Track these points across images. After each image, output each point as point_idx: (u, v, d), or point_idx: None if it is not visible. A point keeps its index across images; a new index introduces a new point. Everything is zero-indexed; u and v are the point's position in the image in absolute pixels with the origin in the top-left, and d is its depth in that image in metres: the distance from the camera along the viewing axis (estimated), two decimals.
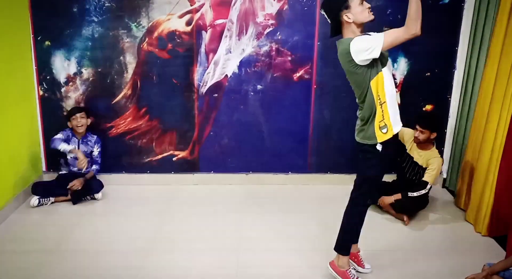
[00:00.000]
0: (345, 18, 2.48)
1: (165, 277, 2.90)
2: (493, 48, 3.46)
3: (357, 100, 2.67)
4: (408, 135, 3.85)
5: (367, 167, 2.67)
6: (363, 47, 2.42)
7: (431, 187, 3.64)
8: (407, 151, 3.86)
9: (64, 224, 3.58)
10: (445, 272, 2.97)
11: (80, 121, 3.97)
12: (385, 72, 2.52)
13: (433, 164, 3.65)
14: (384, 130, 2.55)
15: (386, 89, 2.52)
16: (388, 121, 2.55)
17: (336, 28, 2.56)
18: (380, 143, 2.57)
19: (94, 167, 4.11)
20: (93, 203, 3.97)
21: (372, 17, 2.49)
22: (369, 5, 2.51)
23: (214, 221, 3.63)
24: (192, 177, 4.38)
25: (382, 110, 2.53)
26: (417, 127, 3.67)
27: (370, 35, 2.51)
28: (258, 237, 3.37)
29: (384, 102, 2.52)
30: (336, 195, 4.13)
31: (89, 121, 4.06)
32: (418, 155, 3.77)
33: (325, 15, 2.57)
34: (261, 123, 4.27)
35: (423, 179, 3.65)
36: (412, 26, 2.35)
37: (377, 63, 2.49)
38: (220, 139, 4.31)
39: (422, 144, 3.73)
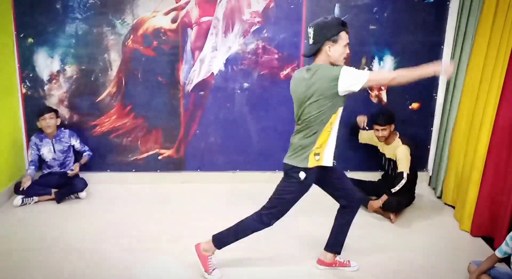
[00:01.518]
0: (326, 48, 2.50)
1: (152, 275, 2.87)
2: (477, 46, 3.48)
3: (297, 121, 2.70)
4: (373, 137, 3.95)
5: (286, 190, 2.74)
6: (352, 78, 2.46)
7: (408, 174, 3.65)
8: (380, 151, 3.95)
9: (48, 223, 3.53)
10: (430, 269, 2.98)
11: (49, 122, 3.91)
12: (340, 111, 2.59)
13: (400, 153, 3.71)
14: (317, 157, 2.63)
15: (336, 125, 2.61)
16: (323, 151, 2.62)
17: (313, 51, 2.56)
18: (305, 170, 2.62)
19: (85, 153, 4.09)
20: (78, 202, 3.92)
21: (341, 63, 2.55)
22: (348, 52, 2.57)
23: (200, 219, 3.61)
24: (179, 176, 4.34)
25: (325, 141, 2.61)
26: (377, 127, 3.78)
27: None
28: (245, 238, 3.34)
29: (330, 135, 2.61)
30: (323, 193, 4.14)
31: (59, 121, 4.01)
32: (388, 151, 3.86)
33: (310, 34, 2.55)
34: (248, 121, 4.25)
35: (398, 170, 3.69)
36: (401, 81, 2.55)
37: (345, 99, 2.56)
38: (207, 137, 4.28)
39: (386, 139, 3.84)
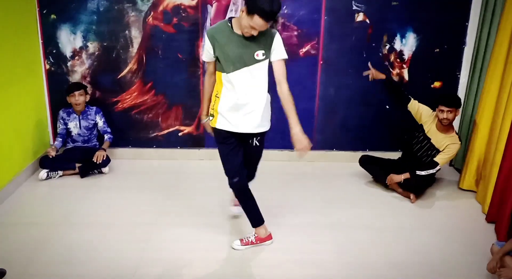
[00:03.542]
0: (241, 11, 2.46)
1: (171, 250, 2.95)
2: (504, 23, 3.37)
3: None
4: (426, 116, 3.76)
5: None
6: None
7: (439, 169, 3.63)
8: (426, 132, 3.74)
9: (72, 197, 3.64)
10: (447, 251, 2.98)
11: (78, 99, 3.98)
12: (225, 78, 2.66)
13: (452, 149, 3.61)
14: (211, 118, 2.78)
15: (226, 91, 2.70)
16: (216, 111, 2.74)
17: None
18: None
19: (106, 136, 4.15)
20: (100, 177, 4.03)
21: (243, 30, 2.50)
22: (259, 29, 2.45)
23: (219, 195, 3.66)
24: (198, 152, 4.40)
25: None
26: (443, 108, 3.55)
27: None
28: (262, 212, 3.39)
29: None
30: (341, 173, 4.16)
31: (88, 97, 4.08)
32: (437, 138, 3.67)
33: None
34: None
35: (435, 159, 3.62)
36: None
37: (224, 66, 2.62)
38: None
39: (444, 127, 3.64)
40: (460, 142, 3.64)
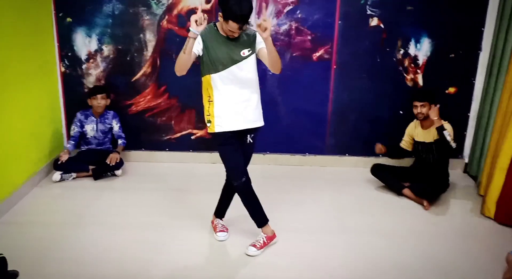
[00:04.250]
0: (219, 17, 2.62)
1: (181, 253, 2.96)
2: None
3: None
4: (411, 131, 3.89)
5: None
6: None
7: (454, 142, 3.60)
8: (416, 140, 3.84)
9: (85, 199, 3.67)
10: (461, 258, 2.93)
11: (100, 102, 4.03)
12: (213, 79, 2.78)
13: (448, 126, 3.63)
14: (209, 124, 2.85)
15: (218, 93, 2.79)
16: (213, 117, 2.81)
17: None
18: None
19: (120, 141, 4.18)
20: (113, 179, 4.05)
21: (228, 33, 2.64)
22: (236, 31, 2.60)
23: (236, 198, 3.65)
24: (210, 156, 4.41)
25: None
26: (416, 103, 3.70)
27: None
28: (272, 217, 3.37)
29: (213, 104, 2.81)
30: (353, 178, 4.13)
31: (109, 101, 4.12)
32: (428, 135, 3.75)
33: None
34: (279, 103, 4.25)
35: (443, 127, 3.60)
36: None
37: (213, 67, 2.75)
38: None
39: (425, 122, 3.74)
40: (445, 122, 3.67)
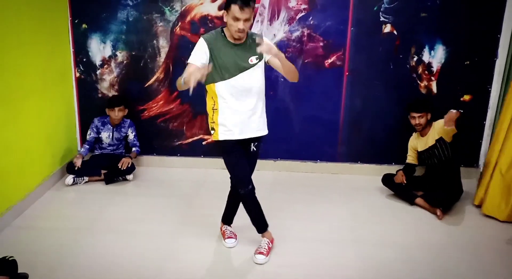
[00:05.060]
0: (224, 16, 2.58)
1: (191, 260, 2.95)
2: None
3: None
4: (414, 143, 3.87)
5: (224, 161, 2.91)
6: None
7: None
8: (419, 150, 3.82)
9: (96, 203, 3.70)
10: (477, 269, 2.87)
11: (118, 114, 4.08)
12: (219, 87, 2.72)
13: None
14: (212, 132, 2.84)
15: (224, 102, 2.75)
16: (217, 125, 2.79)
17: None
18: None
19: (134, 149, 4.22)
20: (125, 184, 4.08)
21: (235, 35, 2.58)
22: (241, 28, 2.53)
23: (240, 205, 3.64)
24: (221, 161, 4.36)
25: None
26: (413, 114, 3.71)
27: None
28: (284, 224, 3.36)
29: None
30: (365, 186, 4.08)
31: (126, 111, 4.16)
32: (427, 142, 3.74)
33: None
34: (291, 110, 4.23)
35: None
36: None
37: (220, 74, 2.68)
38: None
39: (423, 131, 3.75)
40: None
